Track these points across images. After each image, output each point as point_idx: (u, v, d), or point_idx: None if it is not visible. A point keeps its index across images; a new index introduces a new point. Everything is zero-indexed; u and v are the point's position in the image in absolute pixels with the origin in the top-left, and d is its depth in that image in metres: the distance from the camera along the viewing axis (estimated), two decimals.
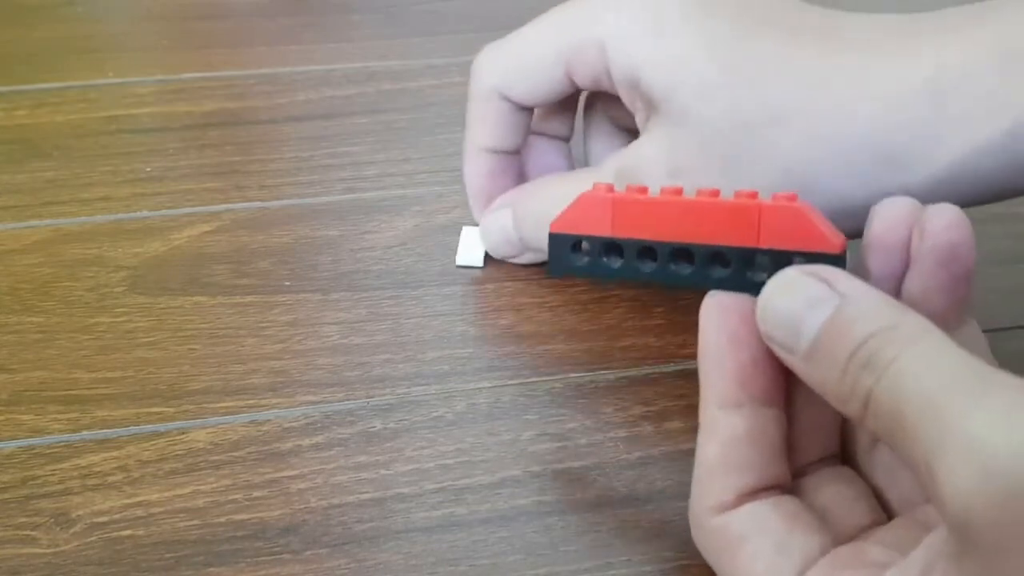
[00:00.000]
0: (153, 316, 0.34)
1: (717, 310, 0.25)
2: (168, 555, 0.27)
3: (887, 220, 0.25)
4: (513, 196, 0.35)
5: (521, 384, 0.32)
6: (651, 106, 0.31)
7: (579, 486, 0.29)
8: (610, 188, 0.27)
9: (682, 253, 0.26)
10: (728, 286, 0.25)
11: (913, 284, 0.24)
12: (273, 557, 0.27)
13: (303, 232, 0.38)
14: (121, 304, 0.35)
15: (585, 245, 0.28)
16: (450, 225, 0.38)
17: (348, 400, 0.32)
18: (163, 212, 0.39)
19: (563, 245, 0.28)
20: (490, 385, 0.32)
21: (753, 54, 0.29)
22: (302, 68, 0.47)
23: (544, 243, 0.29)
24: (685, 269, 0.26)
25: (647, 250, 0.27)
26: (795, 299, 0.23)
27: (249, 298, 0.35)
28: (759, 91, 0.29)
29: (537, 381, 0.32)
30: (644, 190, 0.27)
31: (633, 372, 0.33)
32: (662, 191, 0.26)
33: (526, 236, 0.34)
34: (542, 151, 0.37)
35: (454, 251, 0.37)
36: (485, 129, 0.35)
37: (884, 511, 0.25)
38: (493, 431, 0.31)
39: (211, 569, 0.27)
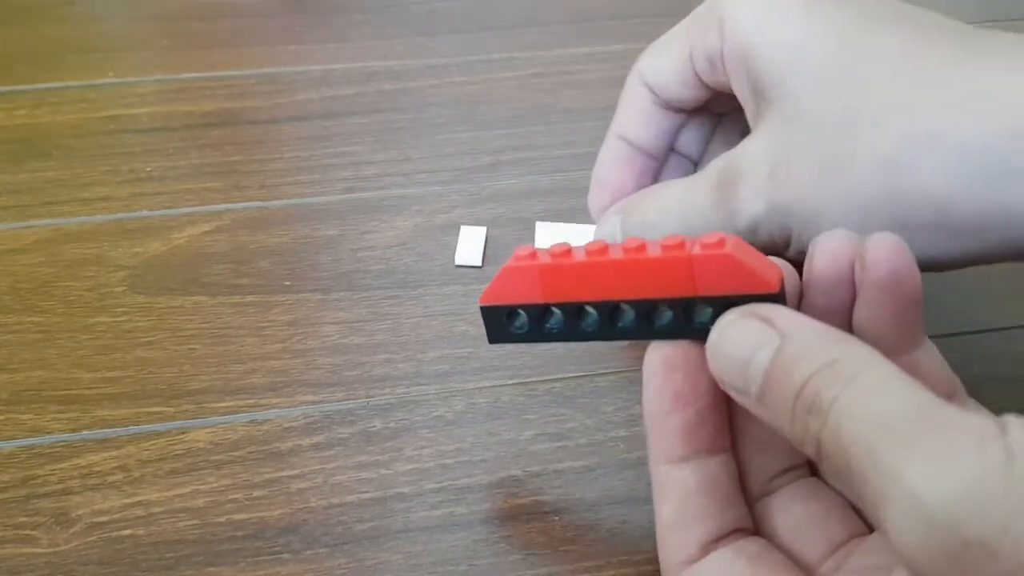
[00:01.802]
0: (153, 316, 0.34)
1: (661, 367, 0.25)
2: (168, 555, 0.27)
3: (827, 255, 0.24)
4: (622, 205, 0.34)
5: (521, 384, 0.32)
6: (760, 96, 0.29)
7: (579, 486, 0.29)
8: (533, 255, 0.26)
9: (620, 310, 0.26)
10: (672, 335, 0.25)
11: (862, 315, 0.24)
12: (273, 557, 0.27)
13: (303, 232, 0.38)
14: (121, 304, 0.35)
15: (519, 313, 0.27)
16: (450, 225, 0.38)
17: (348, 400, 0.32)
18: (163, 212, 0.39)
19: (496, 317, 0.27)
20: (490, 385, 0.32)
21: (877, 48, 0.27)
22: (302, 68, 0.47)
23: None
24: (627, 324, 0.25)
25: (583, 310, 0.26)
26: (739, 343, 0.22)
27: (249, 298, 0.35)
28: (876, 87, 0.26)
29: (537, 381, 0.32)
30: (568, 253, 0.25)
31: (633, 372, 0.33)
32: (587, 252, 0.25)
33: None
34: (671, 167, 0.35)
35: (454, 251, 0.37)
36: (623, 115, 0.34)
37: (860, 518, 0.25)
38: (493, 431, 0.31)
39: (211, 569, 0.27)
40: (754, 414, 0.22)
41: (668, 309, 0.25)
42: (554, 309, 0.26)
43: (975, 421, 0.18)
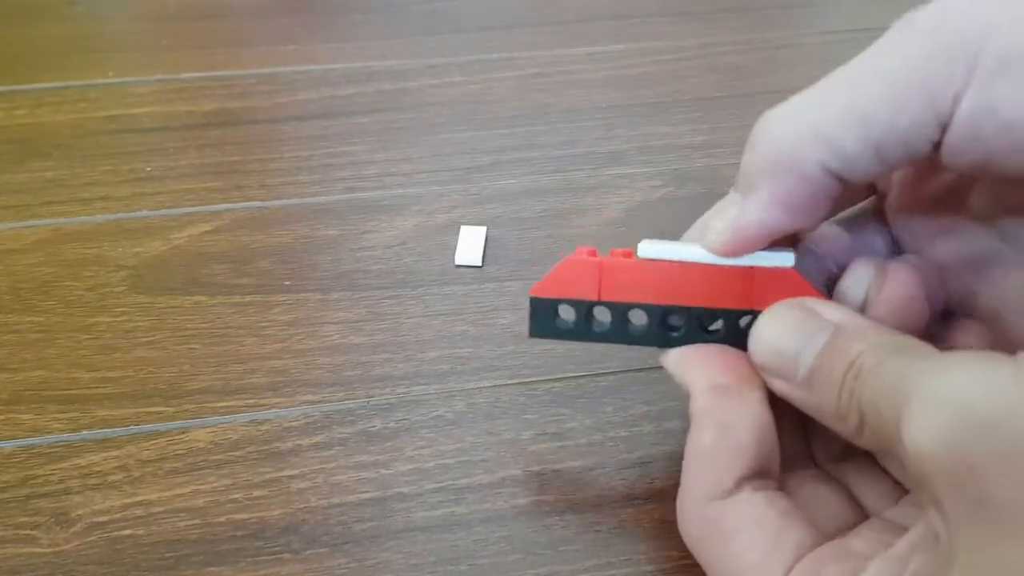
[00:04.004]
0: (153, 316, 0.34)
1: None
2: (168, 555, 0.27)
3: (852, 278, 0.25)
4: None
5: (521, 384, 0.32)
6: None
7: (579, 486, 0.29)
8: (593, 252, 0.26)
9: (672, 315, 0.26)
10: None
11: None
12: (273, 556, 0.27)
13: (303, 232, 0.38)
14: (121, 304, 0.35)
15: (568, 308, 0.27)
16: (450, 225, 0.38)
17: (348, 400, 0.32)
18: (163, 212, 0.39)
19: (545, 310, 0.27)
20: (490, 385, 0.32)
21: None
22: (302, 68, 0.47)
23: None
24: (674, 332, 0.26)
25: (634, 313, 0.26)
26: (789, 331, 0.23)
27: (249, 298, 0.35)
28: None
29: (537, 381, 0.32)
30: (629, 253, 0.26)
31: (633, 371, 0.33)
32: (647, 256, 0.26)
33: None
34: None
35: (454, 251, 0.37)
36: (776, 202, 0.24)
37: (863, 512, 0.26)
38: (493, 430, 0.31)
39: (211, 568, 0.27)
40: (790, 399, 0.23)
41: (720, 319, 0.25)
42: (606, 308, 0.26)
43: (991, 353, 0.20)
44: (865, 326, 0.23)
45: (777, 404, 0.25)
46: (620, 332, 0.26)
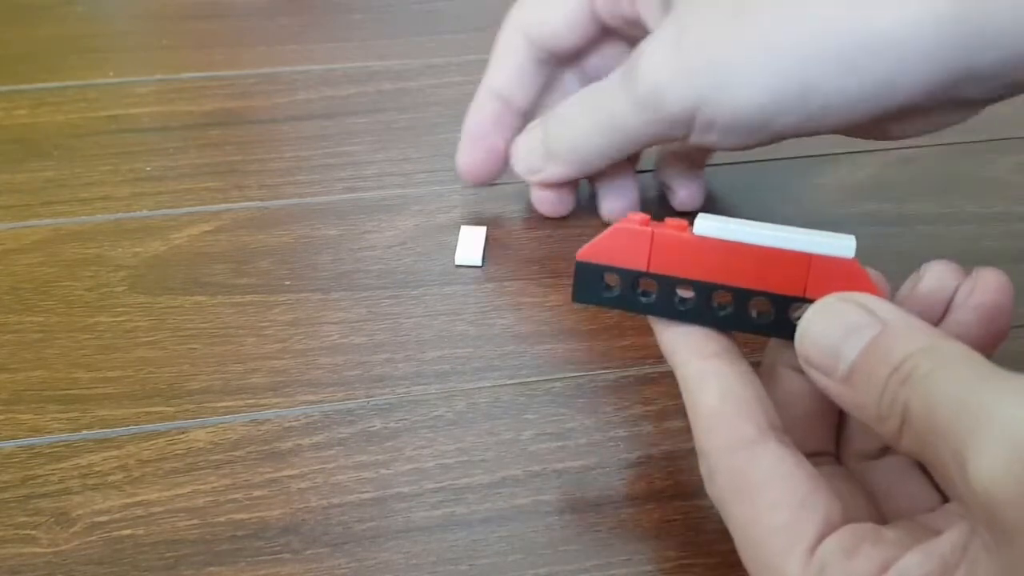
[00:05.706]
0: (153, 316, 0.34)
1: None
2: (168, 555, 0.27)
3: (935, 281, 0.25)
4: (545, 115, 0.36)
5: (521, 384, 0.32)
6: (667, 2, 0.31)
7: (579, 486, 0.29)
8: (645, 220, 0.26)
9: (722, 294, 0.25)
10: (766, 331, 0.25)
11: (948, 331, 0.24)
12: (273, 557, 0.27)
13: (303, 232, 0.38)
14: (121, 304, 0.35)
15: (614, 276, 0.26)
16: (450, 225, 0.38)
17: (348, 400, 0.32)
18: (163, 212, 0.39)
19: (591, 275, 0.26)
20: (490, 385, 0.32)
21: None
22: (302, 68, 0.47)
23: (568, 157, 0.35)
24: (722, 311, 0.25)
25: (682, 287, 0.26)
26: (835, 325, 0.23)
27: (249, 298, 0.35)
28: None
29: (537, 381, 0.32)
30: (684, 227, 0.25)
31: (633, 371, 0.33)
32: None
33: (552, 147, 0.35)
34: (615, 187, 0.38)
35: (454, 251, 0.37)
36: (499, 70, 0.36)
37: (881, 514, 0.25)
38: (493, 431, 0.31)
39: (211, 568, 0.27)
40: (830, 394, 0.23)
41: (770, 304, 0.25)
42: (654, 280, 0.26)
43: None
44: (917, 328, 0.22)
45: (812, 399, 0.24)
46: (666, 306, 0.26)
